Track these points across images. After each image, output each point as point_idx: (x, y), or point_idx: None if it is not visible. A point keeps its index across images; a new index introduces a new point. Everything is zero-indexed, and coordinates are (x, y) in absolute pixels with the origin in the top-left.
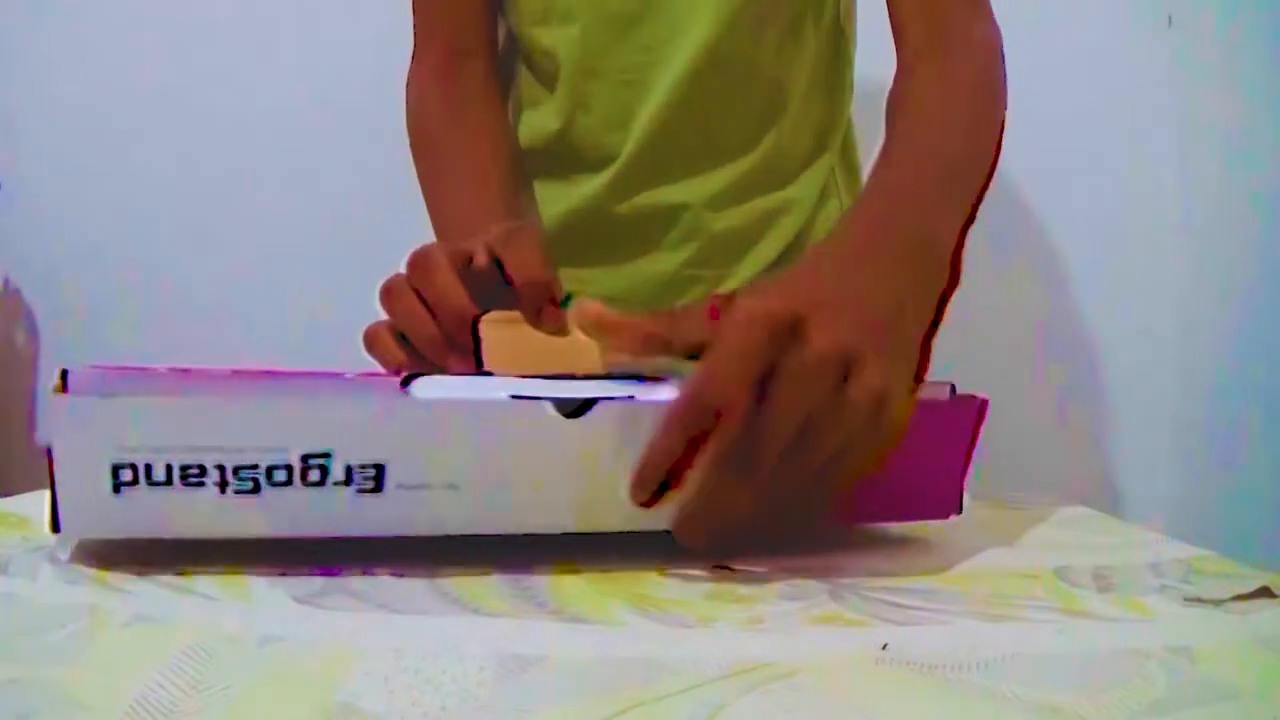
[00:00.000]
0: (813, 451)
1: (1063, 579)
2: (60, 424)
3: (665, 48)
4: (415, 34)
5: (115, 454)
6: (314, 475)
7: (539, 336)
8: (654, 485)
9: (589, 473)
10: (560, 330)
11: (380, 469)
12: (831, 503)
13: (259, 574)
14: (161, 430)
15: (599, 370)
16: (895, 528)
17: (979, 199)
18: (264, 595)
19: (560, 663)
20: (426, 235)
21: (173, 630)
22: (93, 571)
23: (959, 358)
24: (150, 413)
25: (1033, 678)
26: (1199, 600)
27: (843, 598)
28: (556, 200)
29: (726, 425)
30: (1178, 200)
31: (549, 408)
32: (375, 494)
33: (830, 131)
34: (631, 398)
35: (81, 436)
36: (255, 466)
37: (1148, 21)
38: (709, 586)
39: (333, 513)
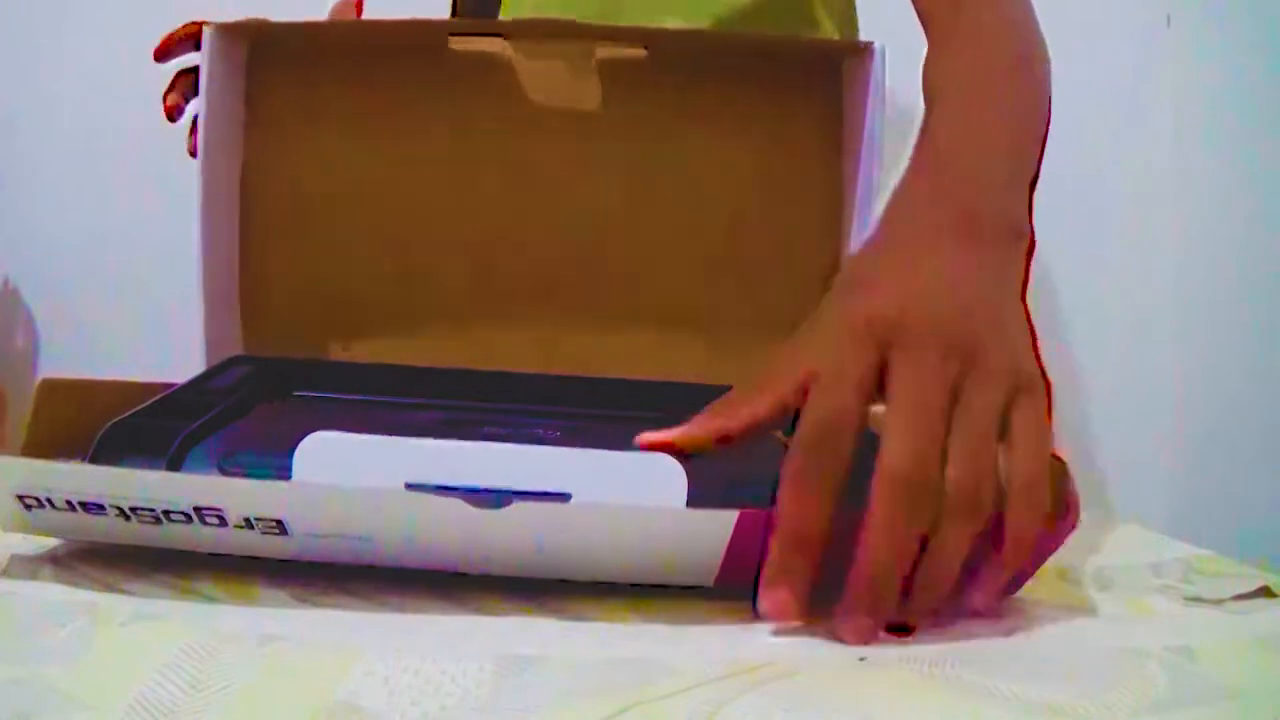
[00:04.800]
0: (974, 424)
1: (1063, 579)
2: None
3: None
4: None
5: (16, 489)
6: (211, 519)
7: None
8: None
9: (515, 557)
10: None
11: (280, 521)
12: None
13: (259, 573)
14: (53, 484)
15: None
16: None
17: (1044, 143)
18: (264, 595)
19: (560, 663)
20: None
21: (173, 629)
22: (93, 571)
23: None
24: (40, 472)
25: (1033, 678)
26: (1199, 600)
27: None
28: None
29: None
30: (1175, 199)
31: (456, 502)
32: (281, 536)
33: None
34: (567, 496)
35: None
36: (151, 509)
37: (1147, 21)
38: (709, 586)
39: (240, 544)
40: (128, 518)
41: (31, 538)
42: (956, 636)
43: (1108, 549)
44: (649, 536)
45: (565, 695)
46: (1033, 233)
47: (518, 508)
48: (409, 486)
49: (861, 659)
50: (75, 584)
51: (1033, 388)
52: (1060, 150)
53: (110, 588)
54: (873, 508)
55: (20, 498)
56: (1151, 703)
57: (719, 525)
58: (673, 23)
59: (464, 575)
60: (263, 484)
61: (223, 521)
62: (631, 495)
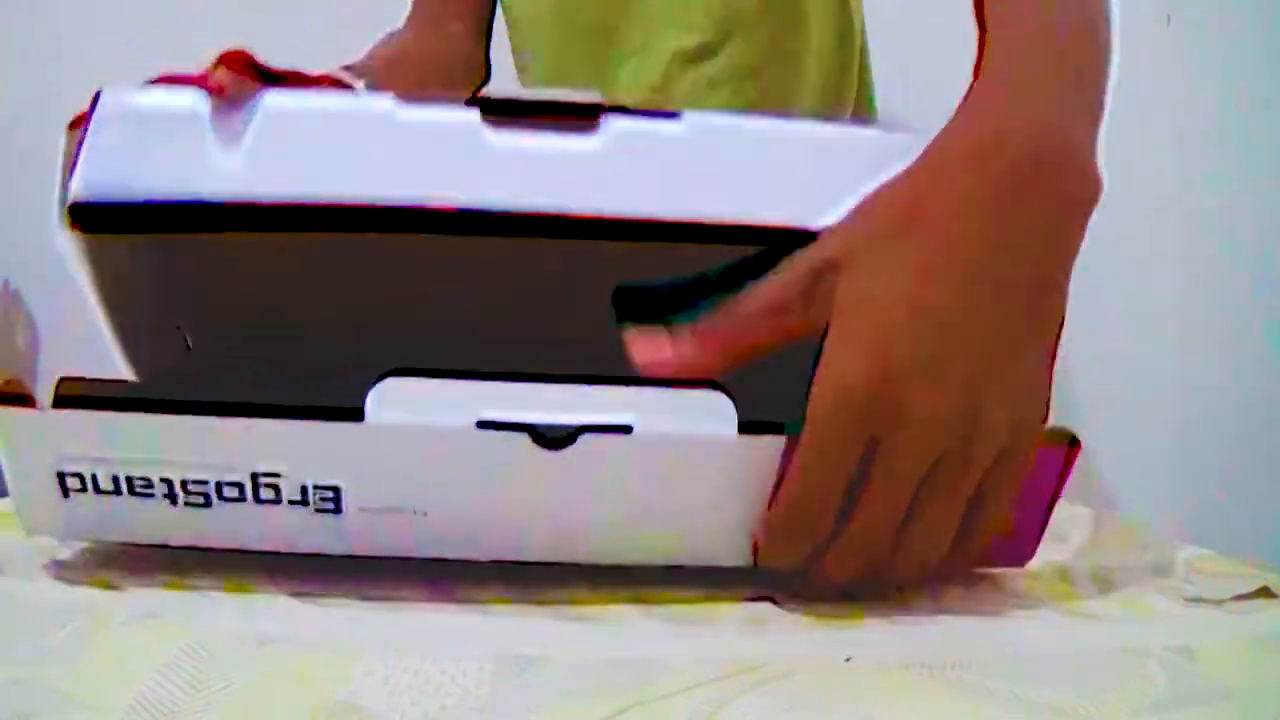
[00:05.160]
0: (945, 501)
1: (1063, 579)
2: (3, 433)
3: (638, 57)
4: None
5: (59, 463)
6: (266, 494)
7: None
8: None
9: (575, 507)
10: None
11: (337, 491)
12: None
13: (259, 573)
14: (103, 443)
15: None
16: None
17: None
18: (264, 594)
19: (560, 663)
20: None
21: (173, 629)
22: (93, 571)
23: None
24: (90, 426)
25: (1033, 678)
26: (1199, 600)
27: (842, 598)
28: None
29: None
30: (1176, 199)
31: (524, 440)
32: (334, 514)
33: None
34: (629, 429)
35: (24, 445)
36: (204, 482)
37: (1147, 20)
38: (710, 586)
39: (290, 531)
40: (175, 500)
41: (31, 538)
42: (956, 637)
43: (1108, 549)
44: (706, 465)
45: (565, 695)
46: (1099, 180)
47: (583, 443)
48: (480, 425)
49: (847, 659)
50: (75, 584)
51: (1021, 445)
52: None
53: (110, 588)
54: (830, 561)
55: (61, 477)
56: (1151, 703)
57: (769, 450)
58: (674, 35)
59: (464, 574)
60: (331, 428)
61: (277, 496)
62: (688, 426)
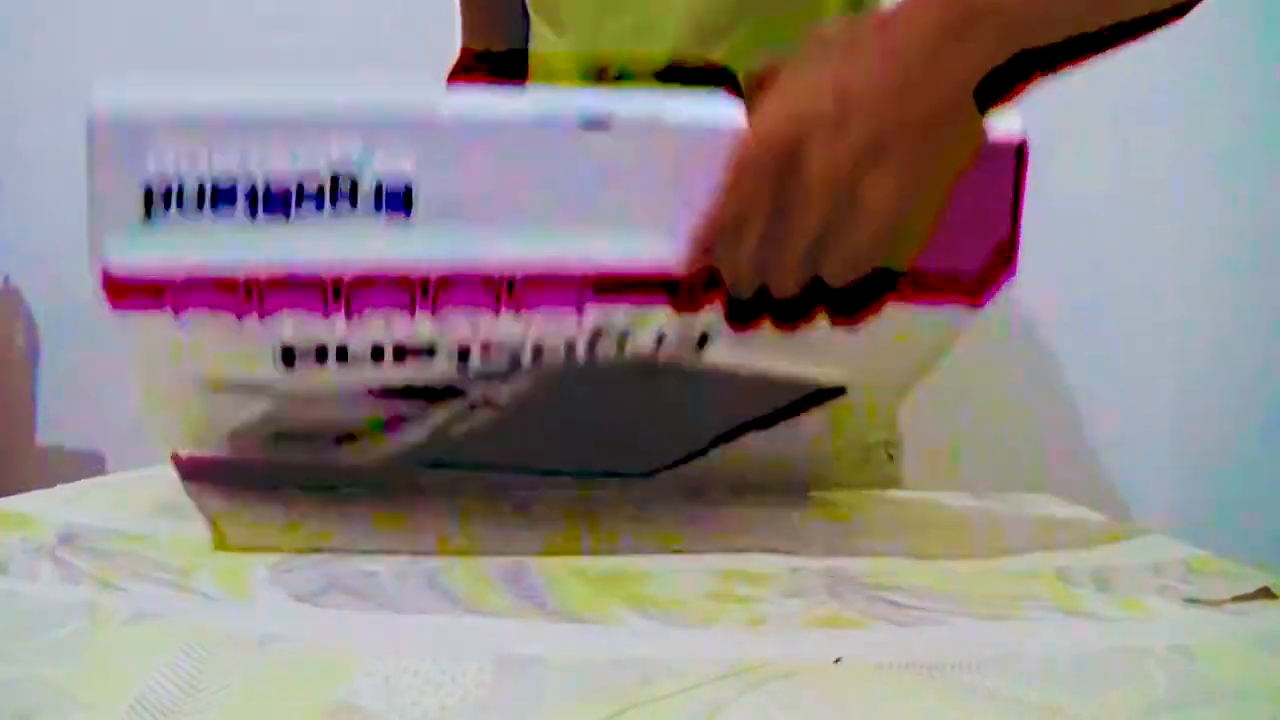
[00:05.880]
0: (830, 256)
1: (1063, 579)
2: (93, 154)
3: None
4: None
5: (146, 175)
6: (344, 186)
7: None
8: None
9: (618, 203)
10: None
11: (408, 189)
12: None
13: (259, 572)
14: (190, 141)
15: None
16: (894, 529)
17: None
18: (264, 594)
19: (560, 663)
20: None
21: (172, 629)
22: (93, 571)
23: (957, 357)
24: (177, 125)
25: (1033, 678)
26: (1199, 600)
27: (843, 597)
28: None
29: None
30: (1176, 199)
31: (576, 132)
32: (404, 216)
33: None
34: (658, 119)
35: (112, 163)
36: (285, 188)
37: None
38: (709, 586)
39: (361, 242)
40: (255, 211)
41: (31, 538)
42: (956, 637)
43: (1107, 549)
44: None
45: (565, 695)
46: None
47: (619, 128)
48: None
49: (837, 660)
50: (75, 583)
51: (884, 230)
52: (1060, 150)
53: (109, 587)
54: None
55: (148, 193)
56: (1151, 703)
57: None
58: (683, 18)
59: (464, 575)
60: (405, 113)
61: (353, 200)
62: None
